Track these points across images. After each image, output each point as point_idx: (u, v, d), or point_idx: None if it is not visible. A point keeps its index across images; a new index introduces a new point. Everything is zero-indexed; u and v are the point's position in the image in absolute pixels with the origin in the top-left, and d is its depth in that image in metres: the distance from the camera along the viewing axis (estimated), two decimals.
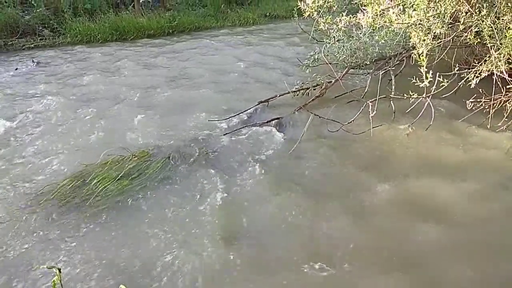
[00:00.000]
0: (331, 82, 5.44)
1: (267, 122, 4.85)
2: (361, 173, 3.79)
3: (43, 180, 4.06)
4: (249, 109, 5.26)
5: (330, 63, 5.38)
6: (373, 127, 4.19)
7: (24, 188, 3.91)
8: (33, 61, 8.17)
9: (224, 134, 4.75)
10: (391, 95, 4.31)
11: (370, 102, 4.34)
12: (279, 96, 5.42)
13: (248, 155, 4.31)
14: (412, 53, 3.60)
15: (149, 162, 4.36)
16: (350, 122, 4.47)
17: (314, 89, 5.42)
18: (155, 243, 3.14)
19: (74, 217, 3.51)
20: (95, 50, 9.35)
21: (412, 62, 4.60)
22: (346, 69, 5.54)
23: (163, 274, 2.82)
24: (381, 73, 5.39)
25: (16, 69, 7.83)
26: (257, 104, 5.30)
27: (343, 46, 5.54)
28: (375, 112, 4.16)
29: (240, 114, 5.16)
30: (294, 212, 3.36)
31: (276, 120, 4.87)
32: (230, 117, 5.11)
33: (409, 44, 4.82)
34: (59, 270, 1.32)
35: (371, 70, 5.68)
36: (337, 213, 3.31)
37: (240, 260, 2.91)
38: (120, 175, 4.09)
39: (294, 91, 5.37)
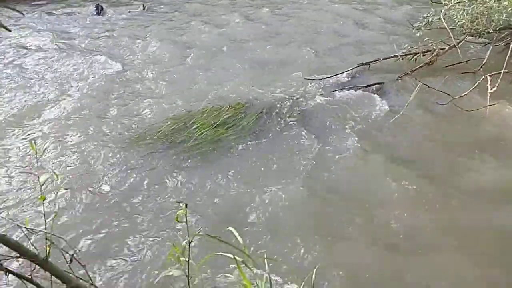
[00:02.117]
0: (444, 49, 4.94)
1: (367, 86, 4.62)
2: (471, 154, 3.47)
3: (149, 120, 4.41)
4: (348, 70, 5.04)
5: (446, 28, 4.84)
6: (489, 105, 3.75)
7: (131, 125, 4.29)
8: (143, 6, 8.64)
9: (319, 95, 4.65)
10: None
11: (489, 75, 3.87)
12: (383, 59, 5.08)
13: (344, 119, 4.18)
14: None
15: (244, 114, 4.47)
16: (463, 96, 4.06)
17: (424, 55, 4.97)
18: (246, 187, 3.28)
19: (175, 156, 3.79)
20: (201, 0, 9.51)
21: None
22: (464, 36, 4.96)
23: (250, 213, 2.95)
24: (503, 44, 4.75)
25: (129, 11, 8.37)
26: (357, 66, 5.04)
27: (464, 10, 4.92)
28: (495, 88, 3.71)
29: (338, 75, 4.97)
30: (387, 189, 3.19)
31: (377, 85, 4.61)
32: (327, 77, 4.95)
33: None
34: (186, 205, 1.43)
35: (492, 40, 5.02)
36: (438, 196, 3.08)
37: (322, 211, 2.92)
38: (217, 123, 4.27)
39: (401, 56, 4.97)
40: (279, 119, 4.31)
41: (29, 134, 4.05)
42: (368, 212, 2.92)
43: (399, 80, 4.71)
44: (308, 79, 4.94)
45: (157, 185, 3.32)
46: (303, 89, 4.84)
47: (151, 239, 2.62)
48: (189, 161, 3.71)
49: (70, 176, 3.38)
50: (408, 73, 4.70)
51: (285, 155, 3.74)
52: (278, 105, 4.54)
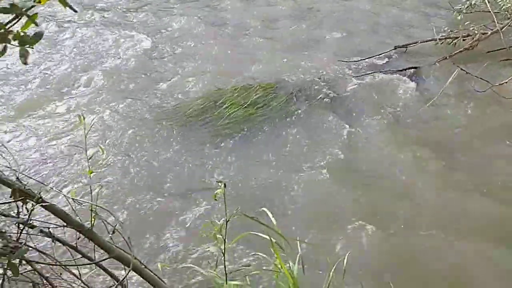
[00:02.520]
0: (486, 33, 4.71)
1: (403, 70, 4.48)
2: (509, 143, 3.35)
3: (179, 97, 4.44)
4: (383, 53, 4.89)
5: (490, 11, 4.60)
6: None
7: (162, 103, 4.34)
8: None
9: (352, 77, 4.55)
10: None
11: None
12: (420, 42, 4.90)
13: (376, 103, 4.10)
14: None
15: (274, 95, 4.44)
16: (502, 83, 3.88)
17: (464, 40, 4.75)
18: (274, 169, 3.31)
19: (204, 134, 3.84)
20: None
21: None
22: (509, 20, 4.70)
23: (279, 195, 2.98)
24: None
25: None
26: (393, 49, 4.89)
27: None
28: None
29: (372, 58, 4.84)
30: (419, 176, 3.14)
31: (413, 69, 4.47)
32: (361, 59, 4.83)
33: None
34: (224, 185, 1.46)
35: None
36: (473, 185, 3.01)
37: (352, 196, 2.92)
38: (247, 103, 4.27)
39: (440, 39, 4.78)
40: (309, 101, 4.27)
41: (66, 109, 4.17)
42: (400, 199, 2.89)
43: (437, 65, 4.55)
44: (341, 60, 4.84)
45: (188, 164, 3.37)
46: (335, 71, 4.75)
47: (186, 215, 2.69)
48: (219, 140, 3.74)
49: (106, 152, 3.48)
50: (446, 58, 4.53)
51: (315, 138, 3.72)
52: (309, 87, 4.48)
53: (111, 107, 4.20)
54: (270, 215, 1.77)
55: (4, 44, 0.71)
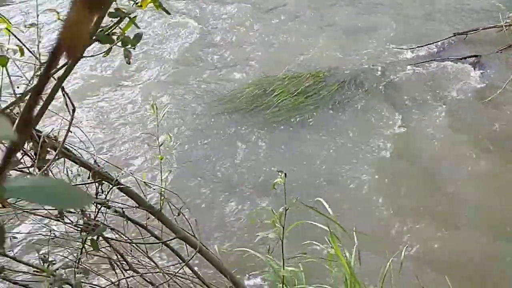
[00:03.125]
0: None
1: (462, 58, 4.27)
2: None
3: (231, 85, 4.52)
4: (441, 40, 4.67)
5: None
6: None
7: (214, 91, 4.43)
8: None
9: (407, 66, 4.40)
10: None
11: None
12: (482, 29, 4.62)
13: (433, 94, 3.95)
14: None
15: (324, 84, 4.40)
16: None
17: None
18: (323, 158, 3.31)
19: (256, 122, 3.90)
20: None
21: None
22: None
23: (330, 185, 2.99)
24: None
25: None
26: (452, 36, 4.65)
27: None
28: None
29: (429, 45, 4.64)
30: (477, 172, 3.01)
31: (474, 58, 4.24)
32: (417, 47, 4.65)
33: None
34: (285, 174, 1.50)
35: None
36: None
37: (405, 189, 2.87)
38: (296, 91, 4.27)
39: (504, 26, 4.49)
40: (361, 90, 4.19)
41: (123, 97, 4.38)
42: (457, 194, 2.80)
43: (500, 54, 4.28)
44: (396, 48, 4.69)
45: (241, 152, 3.45)
46: (389, 59, 4.61)
47: (241, 202, 2.78)
48: (270, 129, 3.79)
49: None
50: (510, 46, 4.25)
51: (367, 128, 3.66)
52: (361, 75, 4.39)
53: (166, 96, 4.36)
54: (326, 205, 1.80)
55: (110, 45, 0.78)
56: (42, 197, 0.29)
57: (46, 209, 1.40)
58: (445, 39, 4.65)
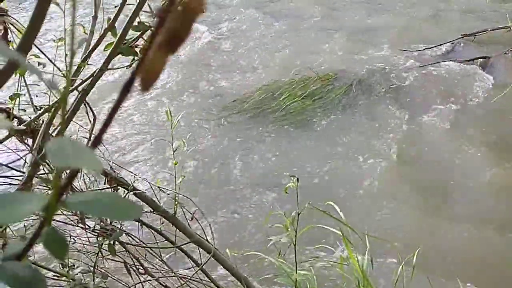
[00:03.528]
0: None
1: (470, 60, 4.26)
2: None
3: (240, 89, 4.55)
4: (449, 42, 4.67)
5: None
6: None
7: (223, 95, 4.47)
8: None
9: (415, 68, 4.40)
10: None
11: None
12: (491, 30, 4.61)
13: (441, 96, 3.94)
14: None
15: (332, 87, 4.42)
16: None
17: None
18: (331, 160, 3.32)
19: (263, 125, 3.92)
20: None
21: None
22: None
23: (339, 188, 3.00)
24: None
25: None
26: (460, 38, 4.65)
27: None
28: None
29: (437, 46, 4.64)
30: (485, 175, 3.00)
31: (482, 60, 4.23)
32: (425, 48, 4.65)
33: None
34: (297, 179, 1.52)
35: None
36: None
37: (413, 191, 2.87)
38: (304, 95, 4.29)
39: None
40: (369, 92, 4.20)
41: (134, 100, 4.42)
42: (468, 196, 2.80)
43: (509, 55, 4.27)
44: (403, 50, 4.69)
45: (250, 156, 3.48)
46: (397, 61, 4.61)
47: (251, 205, 2.81)
48: (278, 132, 3.81)
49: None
50: None
51: (375, 130, 3.67)
52: (368, 78, 4.40)
53: (175, 101, 4.40)
54: (337, 208, 1.81)
55: (133, 56, 0.81)
56: (99, 209, 0.32)
57: (64, 215, 1.43)
58: (453, 40, 4.64)
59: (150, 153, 3.41)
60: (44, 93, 1.38)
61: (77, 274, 1.18)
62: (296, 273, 1.63)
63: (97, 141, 0.29)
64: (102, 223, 1.53)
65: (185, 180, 3.08)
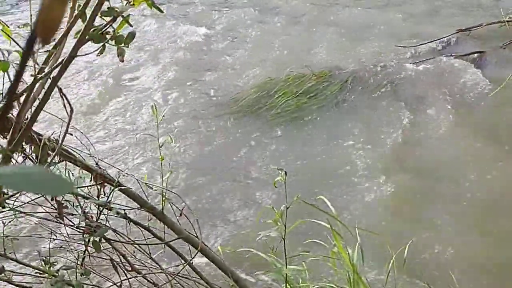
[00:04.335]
0: None
1: (466, 55, 4.24)
2: None
3: (233, 88, 4.53)
4: (444, 37, 4.65)
5: None
6: None
7: (218, 93, 4.45)
8: None
9: (411, 63, 4.38)
10: None
11: None
12: (485, 25, 4.59)
13: (437, 91, 3.92)
14: None
15: (328, 83, 4.39)
16: None
17: None
18: (326, 156, 3.30)
19: (258, 124, 3.90)
20: None
21: None
22: None
23: (334, 184, 2.97)
24: None
25: None
26: (455, 33, 4.63)
27: None
28: None
29: (432, 42, 4.62)
30: (481, 168, 2.99)
31: (477, 54, 4.21)
32: (420, 44, 4.63)
33: None
34: (285, 173, 1.50)
35: None
36: None
37: (410, 186, 2.85)
38: (299, 92, 4.27)
39: (508, 21, 4.45)
40: (365, 89, 4.18)
41: (128, 99, 4.41)
42: (461, 191, 2.78)
43: (504, 49, 4.25)
44: (399, 46, 4.67)
45: (243, 152, 3.46)
46: (392, 56, 4.60)
47: (244, 201, 2.79)
48: (273, 130, 3.79)
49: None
50: None
51: (370, 126, 3.65)
52: (364, 74, 4.38)
53: (170, 98, 4.38)
54: (328, 203, 1.79)
55: (103, 44, 0.79)
56: (23, 183, 0.30)
57: (46, 211, 1.41)
58: (449, 35, 4.62)
59: (138, 150, 3.39)
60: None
61: (58, 271, 1.16)
62: (286, 268, 1.62)
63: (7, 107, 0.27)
64: (87, 220, 1.51)
65: (176, 177, 3.09)
